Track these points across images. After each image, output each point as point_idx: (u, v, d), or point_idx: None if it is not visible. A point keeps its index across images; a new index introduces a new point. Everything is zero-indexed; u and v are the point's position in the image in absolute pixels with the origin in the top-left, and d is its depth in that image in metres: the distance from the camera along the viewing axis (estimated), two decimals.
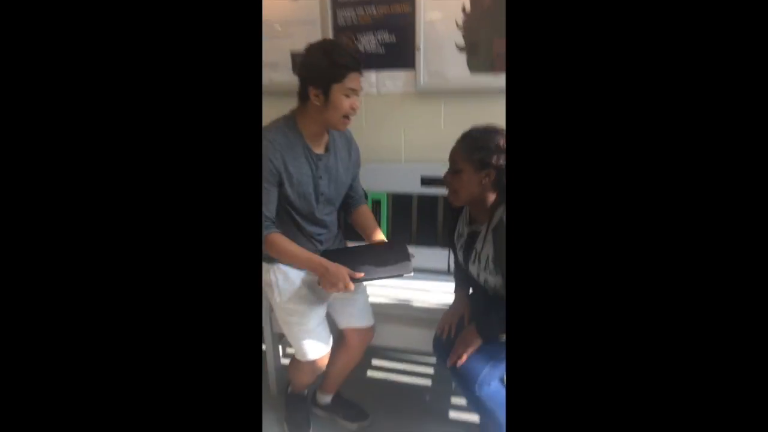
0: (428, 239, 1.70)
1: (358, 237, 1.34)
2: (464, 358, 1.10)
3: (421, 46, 1.56)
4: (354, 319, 1.33)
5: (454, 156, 1.06)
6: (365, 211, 1.34)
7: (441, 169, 1.66)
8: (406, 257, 1.14)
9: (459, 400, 1.53)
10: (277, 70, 1.73)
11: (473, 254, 1.15)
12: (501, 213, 1.06)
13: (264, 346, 1.55)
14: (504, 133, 1.03)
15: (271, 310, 1.39)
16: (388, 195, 1.71)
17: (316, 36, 1.64)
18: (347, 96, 1.08)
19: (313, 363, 1.28)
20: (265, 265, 1.22)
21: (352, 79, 1.08)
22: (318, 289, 1.17)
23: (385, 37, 1.60)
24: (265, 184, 1.08)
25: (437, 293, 1.55)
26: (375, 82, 1.67)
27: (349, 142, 1.28)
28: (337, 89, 1.07)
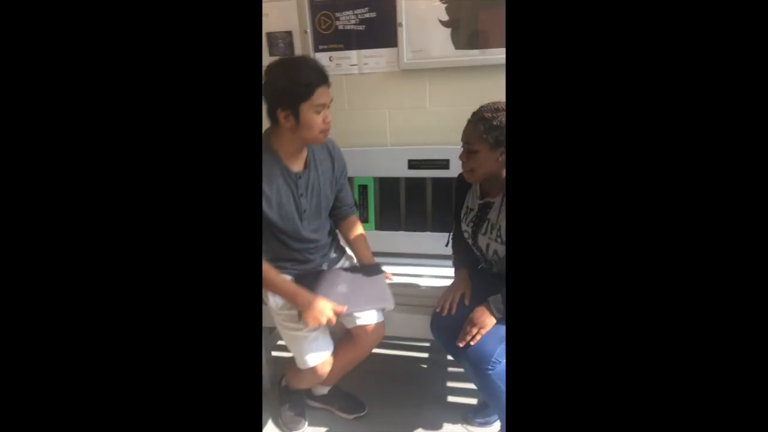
0: (417, 224, 1.67)
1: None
2: (477, 338, 1.10)
3: (403, 22, 1.50)
4: (363, 317, 1.23)
5: (468, 137, 1.09)
6: (353, 224, 1.34)
7: (428, 151, 1.67)
8: (385, 287, 1.21)
9: (456, 384, 1.52)
10: None
11: (485, 225, 1.18)
12: None
13: None
14: None
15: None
16: (374, 179, 1.67)
17: (292, 14, 1.57)
18: (318, 112, 1.06)
19: (313, 369, 1.22)
20: None
21: (320, 94, 1.05)
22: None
23: (365, 13, 1.53)
24: None
25: (429, 279, 1.53)
26: (356, 61, 1.60)
27: (332, 153, 1.25)
28: (306, 108, 1.04)
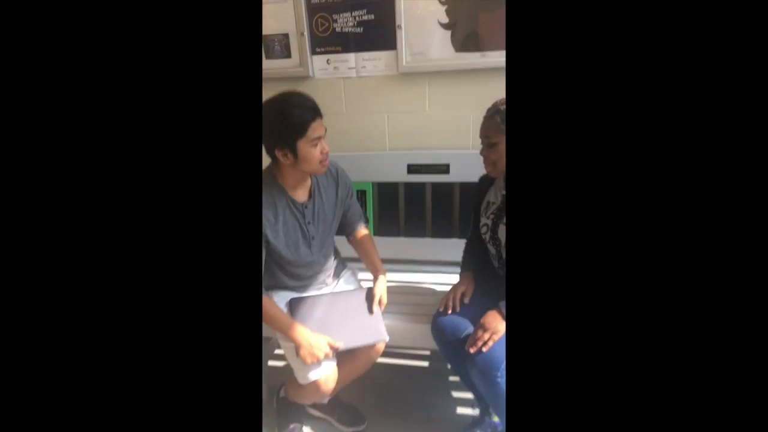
0: (417, 230, 1.64)
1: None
2: (490, 344, 1.06)
3: (402, 25, 1.47)
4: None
5: (486, 131, 1.10)
6: (362, 235, 1.37)
7: (428, 156, 1.65)
8: (379, 319, 1.21)
9: (457, 394, 1.49)
10: None
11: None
12: None
13: None
14: None
15: None
16: (373, 184, 1.64)
17: (289, 16, 1.54)
18: (315, 145, 1.09)
19: (314, 384, 1.18)
20: None
21: (315, 128, 1.08)
22: None
23: (363, 15, 1.50)
24: None
25: (428, 285, 1.50)
26: (354, 64, 1.57)
27: (336, 178, 1.28)
28: (302, 144, 1.08)
